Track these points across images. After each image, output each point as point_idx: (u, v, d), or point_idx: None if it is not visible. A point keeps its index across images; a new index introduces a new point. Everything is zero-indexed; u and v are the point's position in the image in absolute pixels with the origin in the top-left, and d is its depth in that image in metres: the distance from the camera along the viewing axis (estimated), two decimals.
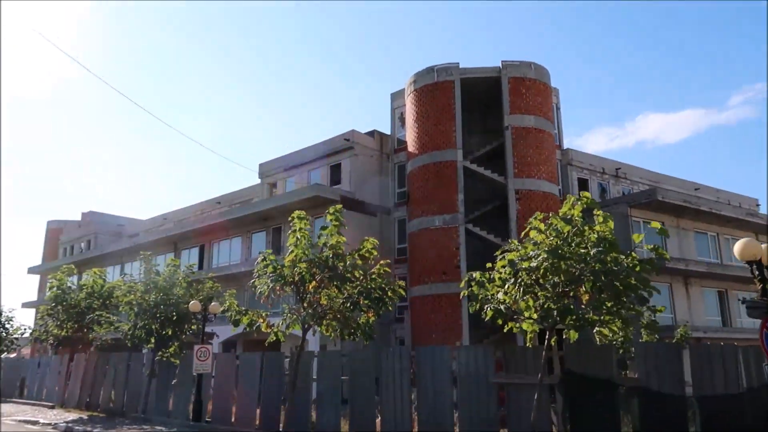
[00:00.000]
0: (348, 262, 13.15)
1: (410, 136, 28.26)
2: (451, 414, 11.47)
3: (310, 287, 12.99)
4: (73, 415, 19.16)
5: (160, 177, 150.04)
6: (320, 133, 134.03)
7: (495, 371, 11.24)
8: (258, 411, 15.08)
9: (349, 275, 12.76)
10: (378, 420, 12.67)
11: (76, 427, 15.89)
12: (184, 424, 16.06)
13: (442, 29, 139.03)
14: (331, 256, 13.01)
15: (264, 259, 13.82)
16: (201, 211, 41.74)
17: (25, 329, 30.26)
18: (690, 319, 27.20)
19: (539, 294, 9.50)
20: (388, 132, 32.18)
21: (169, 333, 17.54)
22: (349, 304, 12.86)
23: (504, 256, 10.19)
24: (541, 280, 9.39)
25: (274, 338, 13.97)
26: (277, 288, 13.31)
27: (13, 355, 31.47)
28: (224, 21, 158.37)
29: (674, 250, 27.38)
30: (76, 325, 20.92)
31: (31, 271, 50.04)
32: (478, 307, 10.32)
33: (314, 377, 14.26)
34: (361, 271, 13.06)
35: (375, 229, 28.06)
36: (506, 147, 26.38)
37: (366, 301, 12.67)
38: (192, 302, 16.33)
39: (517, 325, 10.26)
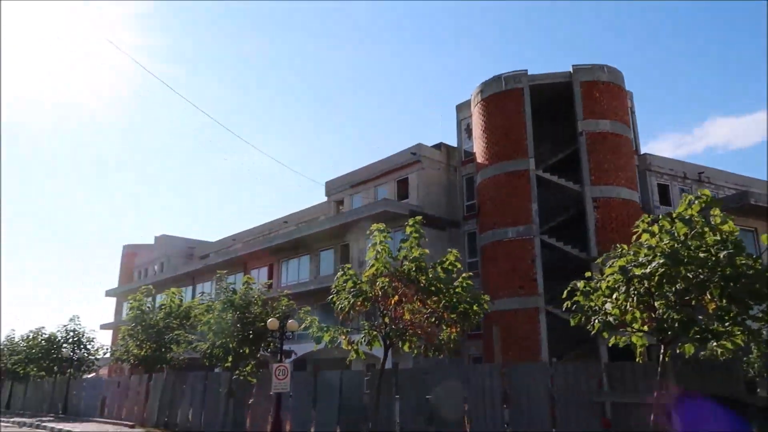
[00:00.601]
0: (431, 275, 12.62)
1: (479, 146, 27.54)
2: (549, 425, 10.61)
3: (392, 302, 12.46)
4: None
5: (228, 198, 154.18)
6: (385, 148, 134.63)
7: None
8: (338, 431, 14.61)
9: (433, 288, 12.18)
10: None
11: None
12: None
13: (505, 38, 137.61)
14: (413, 269, 12.49)
15: (344, 274, 13.46)
16: (269, 230, 42.19)
17: (105, 350, 31.25)
18: None
19: (657, 304, 8.61)
20: (454, 144, 31.57)
21: (246, 351, 17.38)
22: (434, 319, 12.24)
23: (612, 263, 9.33)
24: (653, 289, 8.50)
25: (355, 356, 13.54)
26: (358, 303, 12.89)
27: (91, 375, 32.42)
28: (284, 36, 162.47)
29: None
30: (154, 345, 21.16)
31: (109, 294, 51.93)
32: (581, 319, 9.48)
33: (396, 396, 13.65)
34: (443, 284, 12.48)
35: (444, 244, 27.32)
36: (581, 153, 25.26)
37: (452, 315, 12.02)
38: (270, 320, 16.10)
39: (623, 338, 9.38)
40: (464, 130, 31.33)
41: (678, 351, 9.38)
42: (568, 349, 24.77)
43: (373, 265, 12.97)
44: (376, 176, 31.74)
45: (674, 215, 8.94)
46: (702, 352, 10.18)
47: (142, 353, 21.41)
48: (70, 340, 29.54)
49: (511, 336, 24.32)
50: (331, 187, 34.81)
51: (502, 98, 26.74)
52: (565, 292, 9.98)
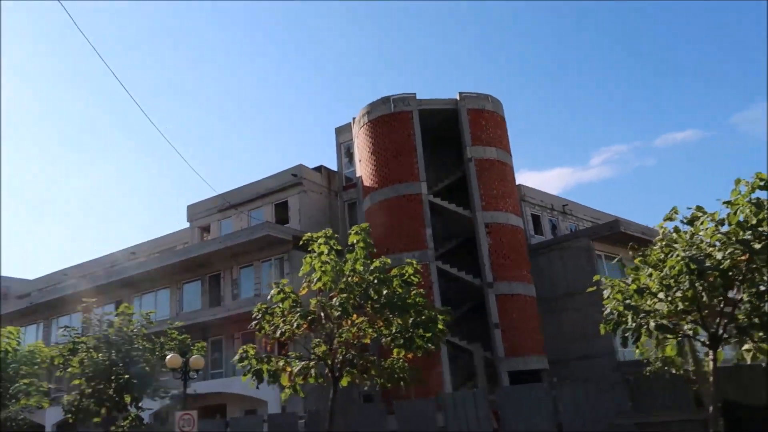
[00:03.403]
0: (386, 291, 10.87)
1: (366, 169, 26.42)
2: None
3: (351, 321, 10.51)
4: None
5: (48, 232, 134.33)
6: (250, 173, 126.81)
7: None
8: None
9: (398, 304, 10.44)
10: None
11: None
12: None
13: (375, 63, 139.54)
14: (374, 281, 10.67)
15: (280, 291, 11.19)
16: (111, 263, 36.84)
17: None
18: None
19: (744, 296, 7.70)
20: (333, 168, 30.17)
21: (128, 400, 13.96)
22: (402, 340, 10.47)
23: (639, 265, 8.41)
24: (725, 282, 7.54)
25: (287, 394, 11.23)
26: (304, 326, 10.71)
27: None
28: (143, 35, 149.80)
29: None
30: None
31: None
32: (612, 327, 8.40)
33: None
34: (405, 300, 10.79)
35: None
36: (471, 180, 25.27)
37: (427, 334, 10.35)
38: (170, 356, 13.03)
39: (670, 343, 8.47)
40: (344, 154, 30.14)
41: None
42: (468, 378, 24.10)
43: (320, 279, 10.91)
44: (250, 199, 29.13)
45: (731, 199, 8.16)
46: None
47: None
48: None
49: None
50: (195, 211, 31.35)
51: (391, 120, 26.07)
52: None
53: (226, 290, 27.31)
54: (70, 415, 13.97)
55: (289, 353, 11.35)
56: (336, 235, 11.38)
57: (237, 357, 10.73)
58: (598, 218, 34.61)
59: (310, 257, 11.41)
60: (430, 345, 10.50)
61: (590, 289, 10.42)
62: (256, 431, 12.38)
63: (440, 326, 10.91)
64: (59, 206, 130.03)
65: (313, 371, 10.95)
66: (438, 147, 27.16)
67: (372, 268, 10.88)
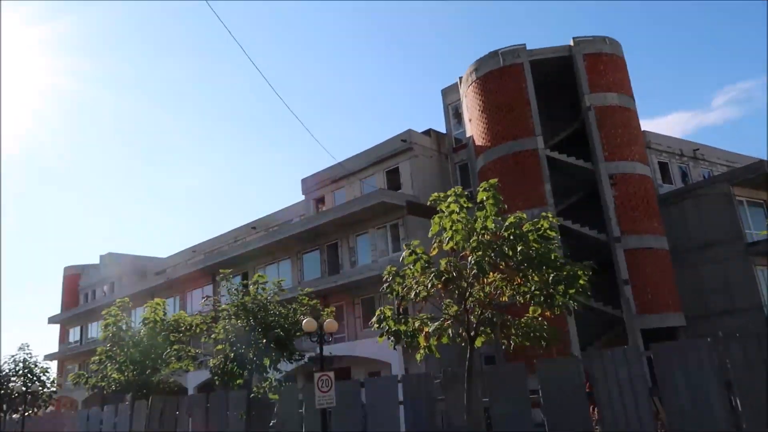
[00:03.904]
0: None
1: (477, 128, 25.60)
2: (725, 424, 8.43)
3: (490, 279, 10.10)
4: None
5: (177, 212, 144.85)
6: (360, 143, 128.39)
7: None
8: None
9: (535, 260, 9.88)
10: None
11: None
12: None
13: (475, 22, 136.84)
14: (510, 237, 10.16)
15: (412, 253, 10.96)
16: (234, 238, 38.83)
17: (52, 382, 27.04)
18: None
19: None
20: (442, 131, 29.55)
21: (267, 363, 14.53)
22: (542, 297, 9.93)
23: None
24: None
25: (426, 352, 11.04)
26: (438, 285, 10.44)
27: (48, 411, 28.15)
28: (250, 22, 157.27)
29: None
30: (138, 367, 17.78)
31: (52, 320, 46.74)
32: None
33: (485, 399, 11.24)
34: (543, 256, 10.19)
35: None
36: (591, 129, 23.75)
37: (570, 290, 9.73)
38: (306, 320, 13.35)
39: None
40: (452, 115, 29.41)
41: None
42: (594, 337, 23.09)
43: (452, 238, 10.54)
44: (361, 168, 29.26)
45: None
46: None
47: (123, 378, 17.99)
48: (20, 372, 25.31)
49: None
50: (310, 184, 32.05)
51: (501, 75, 24.97)
52: None
53: (344, 258, 27.82)
54: (216, 378, 14.78)
55: (419, 315, 11.08)
56: (466, 193, 10.92)
57: (375, 319, 10.69)
58: (735, 161, 31.52)
59: (439, 217, 11.07)
60: (572, 302, 9.89)
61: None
62: (391, 392, 12.34)
63: (582, 282, 10.24)
64: (183, 191, 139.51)
65: (450, 331, 10.72)
66: (551, 99, 25.74)
67: (507, 223, 10.37)
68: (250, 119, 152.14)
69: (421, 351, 11.05)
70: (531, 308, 10.77)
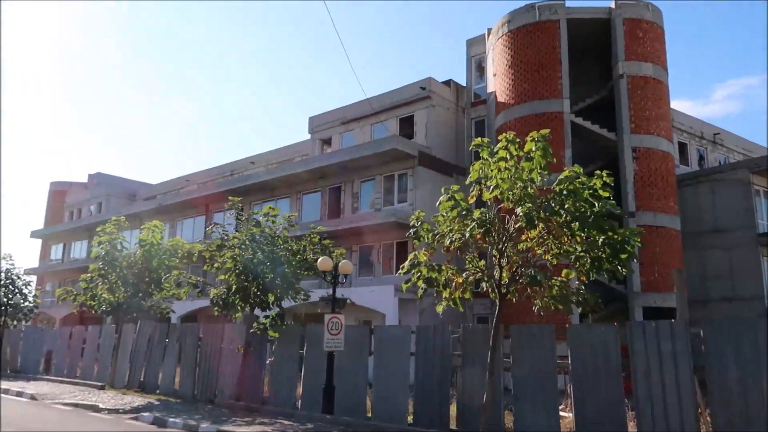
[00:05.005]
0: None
1: (502, 84, 24.51)
2: None
3: (532, 234, 9.37)
4: (138, 399, 15.40)
5: (175, 140, 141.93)
6: (375, 87, 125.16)
7: None
8: (411, 404, 11.50)
9: (587, 218, 9.13)
10: (633, 422, 9.15)
11: (170, 417, 12.16)
12: (311, 417, 12.32)
13: None
14: (563, 191, 9.38)
15: (450, 198, 10.14)
16: (231, 171, 37.72)
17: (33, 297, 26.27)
18: None
19: None
20: (462, 83, 28.39)
21: (271, 299, 13.83)
22: (590, 260, 9.22)
23: None
24: None
25: (447, 305, 10.38)
26: (477, 236, 9.68)
27: (28, 324, 27.46)
28: None
29: None
30: (130, 290, 17.04)
31: (34, 235, 45.63)
32: None
33: (506, 359, 10.67)
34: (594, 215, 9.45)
35: None
36: (620, 98, 22.80)
37: (622, 255, 9.03)
38: (322, 258, 12.60)
39: None
40: (475, 68, 28.22)
41: None
42: (591, 311, 22.68)
43: (497, 186, 9.74)
44: (373, 113, 28.08)
45: None
46: None
47: (115, 299, 17.26)
48: (2, 282, 24.48)
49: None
50: (317, 123, 30.86)
51: (535, 30, 23.73)
52: None
53: (347, 203, 26.97)
54: (216, 308, 14.09)
55: (447, 264, 10.34)
56: (518, 140, 10.06)
57: (407, 263, 9.95)
58: (752, 150, 30.92)
59: (481, 164, 10.25)
60: (622, 269, 9.22)
61: None
62: (404, 342, 11.73)
63: (630, 249, 9.56)
64: (181, 114, 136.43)
65: (484, 284, 10.05)
66: (580, 64, 24.64)
67: (562, 177, 9.58)
68: (260, 51, 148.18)
69: (444, 303, 10.39)
70: (564, 271, 10.14)
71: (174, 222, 36.50)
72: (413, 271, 9.86)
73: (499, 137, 10.10)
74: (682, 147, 27.63)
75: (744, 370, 8.18)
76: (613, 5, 23.56)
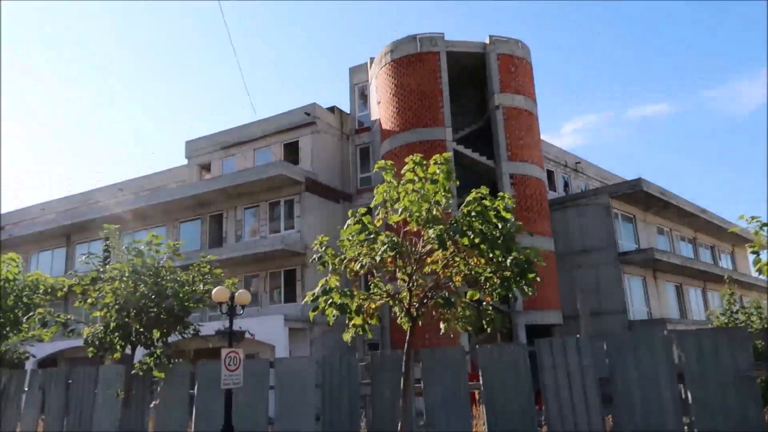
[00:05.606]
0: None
1: (386, 111, 24.94)
2: (678, 419, 8.40)
3: (439, 257, 9.37)
4: None
5: (29, 163, 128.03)
6: (254, 113, 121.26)
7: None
8: None
9: (503, 240, 9.32)
10: None
11: None
12: None
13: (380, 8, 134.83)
14: (470, 214, 9.50)
15: (358, 221, 9.90)
16: (95, 200, 34.71)
17: None
18: None
19: None
20: (346, 110, 28.53)
21: (156, 336, 12.64)
22: (498, 281, 9.36)
23: None
24: None
25: (352, 333, 10.07)
26: (388, 260, 9.50)
27: None
28: None
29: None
30: None
31: None
32: None
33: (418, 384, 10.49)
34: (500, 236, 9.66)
35: (339, 218, 24.23)
36: (497, 128, 24.07)
37: (530, 275, 9.26)
38: (217, 288, 11.70)
39: None
40: (358, 95, 28.53)
41: None
42: (477, 330, 23.37)
43: (405, 209, 9.67)
44: (257, 138, 27.36)
45: None
46: None
47: None
48: None
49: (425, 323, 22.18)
50: (195, 148, 29.43)
51: (417, 61, 24.51)
52: None
53: (230, 231, 25.82)
54: (90, 349, 12.56)
55: (351, 290, 10.04)
56: (425, 162, 10.08)
57: (318, 289, 9.47)
58: (607, 179, 33.99)
59: (385, 186, 10.16)
60: (528, 289, 9.45)
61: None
62: (307, 373, 11.20)
63: (534, 269, 9.85)
64: (33, 137, 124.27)
65: (395, 309, 9.85)
66: (458, 93, 25.78)
67: (469, 198, 9.71)
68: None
69: (351, 330, 10.06)
70: (470, 292, 10.30)
71: (27, 255, 32.82)
72: (322, 298, 9.41)
73: (406, 159, 10.08)
74: (550, 174, 29.70)
75: (642, 380, 8.66)
76: (487, 41, 24.98)
